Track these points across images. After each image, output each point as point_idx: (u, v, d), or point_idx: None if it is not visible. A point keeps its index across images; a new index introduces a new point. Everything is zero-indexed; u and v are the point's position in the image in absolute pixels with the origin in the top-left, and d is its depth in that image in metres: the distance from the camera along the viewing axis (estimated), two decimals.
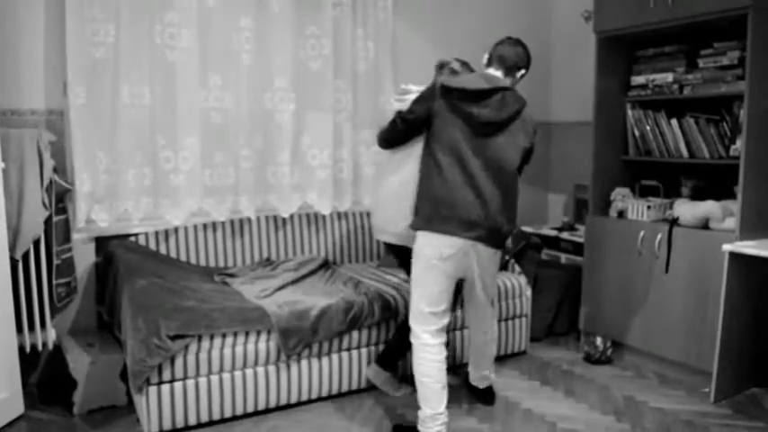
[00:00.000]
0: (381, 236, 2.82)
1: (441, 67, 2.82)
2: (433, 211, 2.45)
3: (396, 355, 2.92)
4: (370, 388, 3.00)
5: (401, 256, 2.77)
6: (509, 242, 3.54)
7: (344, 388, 2.93)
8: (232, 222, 3.42)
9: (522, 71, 2.60)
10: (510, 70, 2.56)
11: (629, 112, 3.56)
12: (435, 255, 2.44)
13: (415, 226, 2.52)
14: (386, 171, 2.77)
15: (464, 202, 2.42)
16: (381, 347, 2.97)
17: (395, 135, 2.62)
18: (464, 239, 2.43)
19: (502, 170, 2.47)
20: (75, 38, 2.88)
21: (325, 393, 2.88)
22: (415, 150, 2.62)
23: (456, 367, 3.19)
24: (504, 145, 2.46)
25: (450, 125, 2.43)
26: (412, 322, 2.55)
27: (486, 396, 2.94)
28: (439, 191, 2.43)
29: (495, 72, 2.55)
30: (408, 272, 2.65)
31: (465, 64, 2.81)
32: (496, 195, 2.45)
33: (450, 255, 2.44)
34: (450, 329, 3.12)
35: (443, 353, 2.52)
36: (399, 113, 2.58)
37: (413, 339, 2.54)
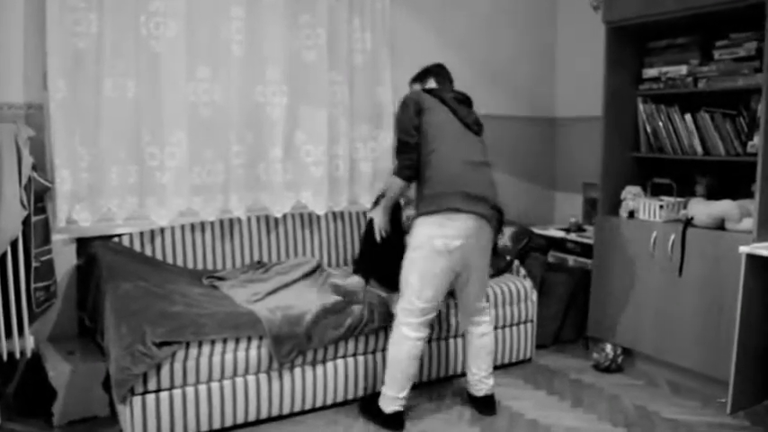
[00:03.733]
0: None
1: None
2: (437, 189, 2.55)
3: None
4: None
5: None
6: (507, 241, 3.49)
7: (340, 398, 2.89)
8: (221, 222, 3.38)
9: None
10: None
11: (641, 107, 3.55)
12: (442, 246, 2.53)
13: (419, 212, 2.61)
14: None
15: (466, 177, 2.57)
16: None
17: (408, 152, 2.66)
18: (471, 217, 2.52)
19: (483, 142, 2.73)
20: (56, 28, 2.85)
21: (319, 404, 2.85)
22: None
23: (454, 377, 3.17)
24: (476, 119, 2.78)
25: (438, 111, 2.67)
26: (398, 311, 2.68)
27: (486, 405, 2.89)
28: (440, 168, 2.57)
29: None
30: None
31: None
32: (487, 168, 2.67)
33: (457, 246, 2.54)
34: (444, 338, 3.12)
35: (420, 348, 2.66)
36: (398, 138, 2.72)
37: (394, 327, 2.69)
